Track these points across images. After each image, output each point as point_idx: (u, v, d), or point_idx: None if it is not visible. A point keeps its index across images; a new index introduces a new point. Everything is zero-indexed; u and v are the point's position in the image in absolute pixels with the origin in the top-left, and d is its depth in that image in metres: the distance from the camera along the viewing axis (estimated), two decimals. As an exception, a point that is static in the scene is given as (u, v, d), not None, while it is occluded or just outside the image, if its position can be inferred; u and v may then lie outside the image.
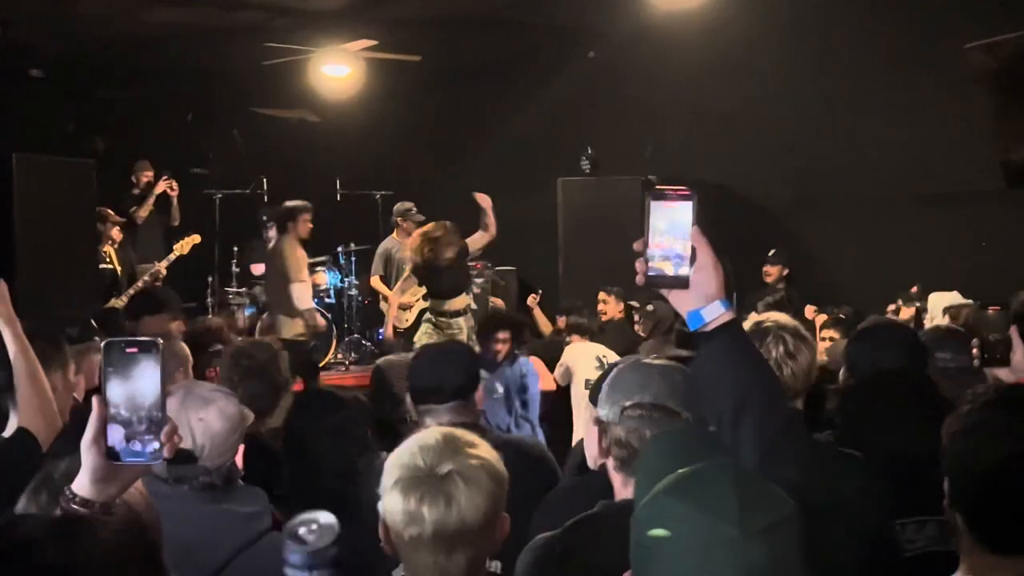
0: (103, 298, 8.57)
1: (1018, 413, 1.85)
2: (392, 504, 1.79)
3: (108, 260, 8.89)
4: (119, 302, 8.54)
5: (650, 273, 1.73)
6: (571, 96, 10.41)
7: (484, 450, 1.87)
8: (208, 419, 2.47)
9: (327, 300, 9.78)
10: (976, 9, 8.18)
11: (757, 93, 9.46)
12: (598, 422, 2.25)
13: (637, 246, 1.73)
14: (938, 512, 2.03)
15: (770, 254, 8.93)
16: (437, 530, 1.75)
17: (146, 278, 8.85)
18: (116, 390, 1.47)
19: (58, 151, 9.49)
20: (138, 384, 1.47)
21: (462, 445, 1.85)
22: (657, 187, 1.71)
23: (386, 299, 9.72)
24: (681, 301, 1.75)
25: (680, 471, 1.39)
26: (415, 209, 9.64)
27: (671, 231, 1.71)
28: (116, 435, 1.48)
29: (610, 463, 2.23)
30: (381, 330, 8.93)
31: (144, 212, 9.84)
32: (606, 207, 9.01)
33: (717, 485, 1.33)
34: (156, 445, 1.49)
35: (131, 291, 8.71)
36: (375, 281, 9.75)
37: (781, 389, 1.85)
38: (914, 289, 7.53)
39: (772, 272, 8.94)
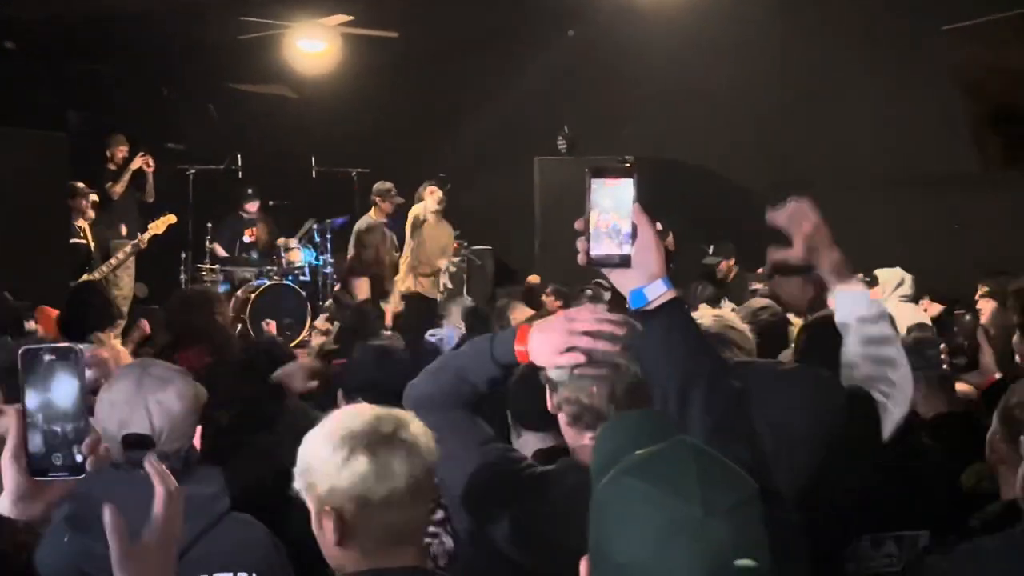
0: (75, 273, 8.50)
1: None
2: (354, 470, 1.76)
3: (82, 235, 8.80)
4: (91, 277, 8.48)
5: (592, 252, 1.71)
6: (549, 75, 10.36)
7: (403, 411, 1.90)
8: (166, 401, 2.38)
9: (302, 278, 9.72)
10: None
11: (738, 74, 9.43)
12: (547, 380, 2.20)
13: (578, 225, 1.71)
14: (897, 526, 1.95)
15: (711, 252, 8.85)
16: (409, 481, 1.76)
17: (119, 255, 8.77)
18: (36, 400, 1.39)
19: (31, 124, 9.39)
20: (58, 393, 1.39)
21: (386, 408, 1.86)
22: (597, 165, 1.69)
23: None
24: (623, 280, 1.72)
25: (639, 451, 1.36)
26: (395, 190, 9.60)
27: (613, 209, 1.69)
28: (37, 449, 1.39)
29: (561, 418, 2.19)
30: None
31: (120, 188, 9.73)
32: (583, 187, 8.92)
33: (679, 464, 1.30)
34: (80, 458, 1.40)
35: (104, 268, 8.65)
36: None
37: (727, 368, 1.83)
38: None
39: (721, 268, 8.92)
